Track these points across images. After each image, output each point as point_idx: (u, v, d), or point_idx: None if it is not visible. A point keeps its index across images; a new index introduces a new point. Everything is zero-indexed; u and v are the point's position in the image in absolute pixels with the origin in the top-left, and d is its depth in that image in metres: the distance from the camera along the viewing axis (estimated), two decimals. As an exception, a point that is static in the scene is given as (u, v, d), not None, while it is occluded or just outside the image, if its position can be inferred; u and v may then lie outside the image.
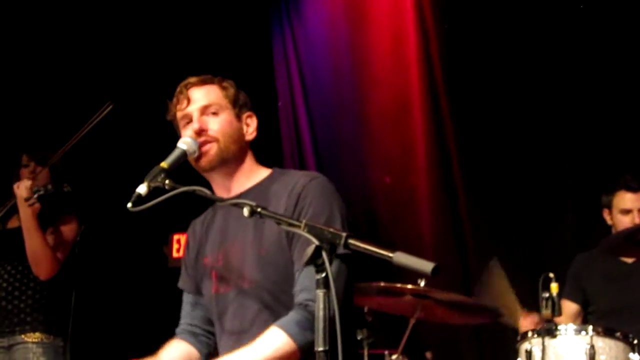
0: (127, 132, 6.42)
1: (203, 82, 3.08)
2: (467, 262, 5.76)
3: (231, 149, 3.01)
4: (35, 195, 4.60)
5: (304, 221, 2.41)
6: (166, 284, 6.46)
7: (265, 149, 3.28)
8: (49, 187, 4.64)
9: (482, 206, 5.83)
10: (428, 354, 4.93)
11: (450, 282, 4.97)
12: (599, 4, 5.57)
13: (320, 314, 2.30)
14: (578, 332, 4.10)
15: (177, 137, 3.02)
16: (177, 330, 3.18)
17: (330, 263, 2.31)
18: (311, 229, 2.38)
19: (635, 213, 4.82)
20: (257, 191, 2.99)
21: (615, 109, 5.52)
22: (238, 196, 2.98)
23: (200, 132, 2.98)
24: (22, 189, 4.62)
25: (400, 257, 2.24)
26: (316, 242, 2.32)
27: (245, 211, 2.55)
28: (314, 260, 2.32)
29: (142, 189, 2.73)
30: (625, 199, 4.88)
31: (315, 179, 2.97)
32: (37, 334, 4.68)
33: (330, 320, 2.30)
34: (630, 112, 5.48)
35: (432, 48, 6.07)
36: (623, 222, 4.83)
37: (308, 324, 2.68)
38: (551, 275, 4.18)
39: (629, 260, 4.89)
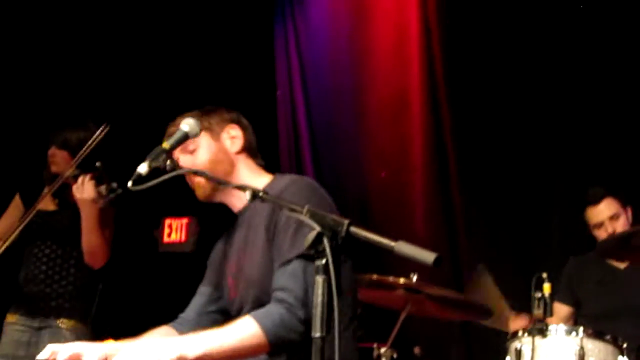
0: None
1: (177, 125, 3.11)
2: (459, 259, 5.77)
3: (218, 171, 3.09)
4: (108, 199, 4.43)
5: (306, 206, 2.40)
6: (156, 268, 6.54)
7: (261, 139, 3.32)
8: (117, 188, 4.39)
9: (476, 205, 5.84)
10: (416, 349, 4.93)
11: (441, 279, 4.97)
12: (603, 5, 5.58)
13: (318, 300, 2.29)
14: (568, 333, 4.11)
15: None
16: (180, 314, 3.24)
17: (331, 250, 2.30)
18: (313, 215, 2.36)
19: (607, 222, 4.83)
20: (254, 205, 2.96)
21: (609, 113, 5.54)
22: (240, 211, 3.15)
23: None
24: (87, 190, 4.46)
25: (402, 247, 2.22)
26: (318, 228, 2.31)
27: (248, 194, 2.56)
28: (315, 247, 2.31)
29: (143, 168, 2.72)
30: (592, 214, 4.90)
31: (294, 182, 3.02)
32: (73, 322, 4.61)
33: (328, 307, 2.29)
34: (622, 117, 5.50)
35: (434, 46, 6.06)
36: (600, 235, 4.84)
37: (281, 320, 2.72)
38: (544, 275, 4.19)
39: (621, 265, 4.91)
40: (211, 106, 3.25)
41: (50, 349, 2.70)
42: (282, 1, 6.77)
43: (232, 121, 3.21)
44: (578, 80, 5.65)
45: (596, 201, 4.88)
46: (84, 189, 4.48)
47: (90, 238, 4.58)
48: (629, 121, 5.48)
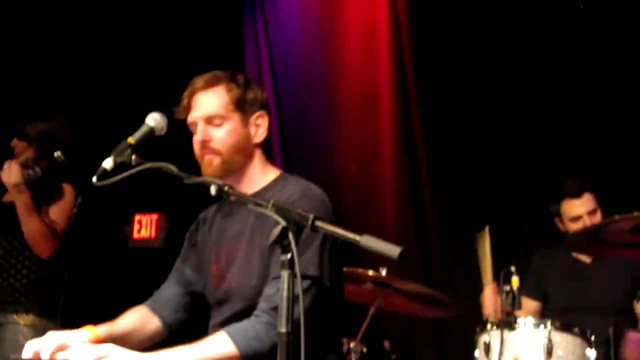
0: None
1: (208, 86, 3.02)
2: (429, 254, 5.79)
3: (235, 159, 3.00)
4: (24, 182, 4.35)
5: (271, 201, 2.40)
6: (126, 264, 6.50)
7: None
8: (37, 170, 4.35)
9: (445, 199, 5.86)
10: (386, 343, 4.93)
11: (410, 274, 4.98)
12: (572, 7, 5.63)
13: (284, 294, 2.29)
14: (536, 326, 4.13)
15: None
16: (155, 292, 3.19)
17: (297, 244, 2.29)
18: (278, 210, 2.36)
19: (585, 216, 4.81)
20: (258, 198, 2.83)
21: (579, 107, 5.58)
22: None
23: (203, 144, 2.98)
24: (11, 174, 4.37)
25: (368, 241, 2.23)
26: (283, 222, 2.31)
27: (213, 189, 2.54)
28: (280, 241, 2.30)
29: (107, 163, 2.69)
30: (571, 206, 4.87)
31: (305, 196, 2.94)
32: (30, 316, 4.49)
33: (293, 302, 2.29)
34: (590, 109, 5.54)
35: (403, 40, 6.08)
36: (575, 229, 4.81)
37: (256, 334, 2.71)
38: (512, 268, 4.20)
39: (587, 259, 4.92)
40: (246, 76, 3.09)
41: (31, 346, 2.68)
42: (252, -2, 6.75)
43: (263, 106, 3.08)
44: (546, 73, 5.67)
45: (578, 194, 4.85)
46: (10, 174, 4.39)
47: (28, 225, 4.45)
48: (600, 116, 5.51)
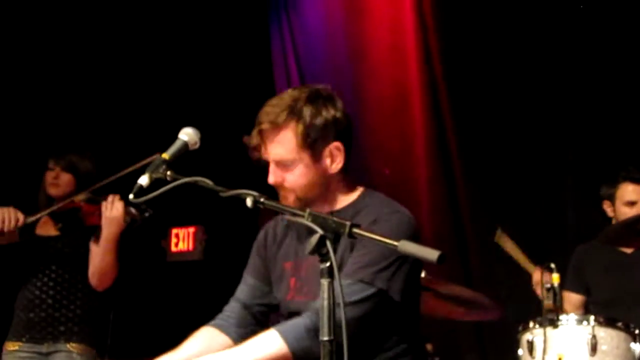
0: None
1: (274, 128, 2.84)
2: (467, 254, 5.76)
3: (310, 194, 2.88)
4: (140, 219, 4.54)
5: (307, 210, 2.39)
6: (165, 278, 6.54)
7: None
8: (148, 209, 4.54)
9: (481, 198, 5.83)
10: (428, 346, 4.91)
11: (449, 275, 4.95)
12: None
13: (324, 303, 2.28)
14: (580, 322, 4.10)
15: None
16: (225, 308, 3.11)
17: (334, 252, 2.28)
18: (315, 218, 2.36)
19: None
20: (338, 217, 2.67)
21: (617, 98, 5.55)
22: None
23: (276, 185, 2.89)
24: (114, 209, 4.49)
25: (406, 246, 2.22)
26: (320, 231, 2.30)
27: (249, 201, 2.53)
28: (318, 250, 2.30)
29: (143, 180, 2.69)
30: (629, 191, 4.86)
31: (394, 213, 2.82)
32: (82, 346, 4.59)
33: (334, 310, 2.28)
34: (632, 103, 5.49)
35: (430, 39, 6.07)
36: (627, 214, 4.77)
37: (307, 331, 2.66)
38: (552, 265, 4.18)
39: (629, 250, 4.89)
40: (314, 108, 2.86)
41: None
42: (277, 5, 6.76)
43: (338, 137, 2.88)
44: (580, 67, 5.63)
45: None
46: (114, 207, 4.51)
47: (106, 258, 4.56)
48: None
